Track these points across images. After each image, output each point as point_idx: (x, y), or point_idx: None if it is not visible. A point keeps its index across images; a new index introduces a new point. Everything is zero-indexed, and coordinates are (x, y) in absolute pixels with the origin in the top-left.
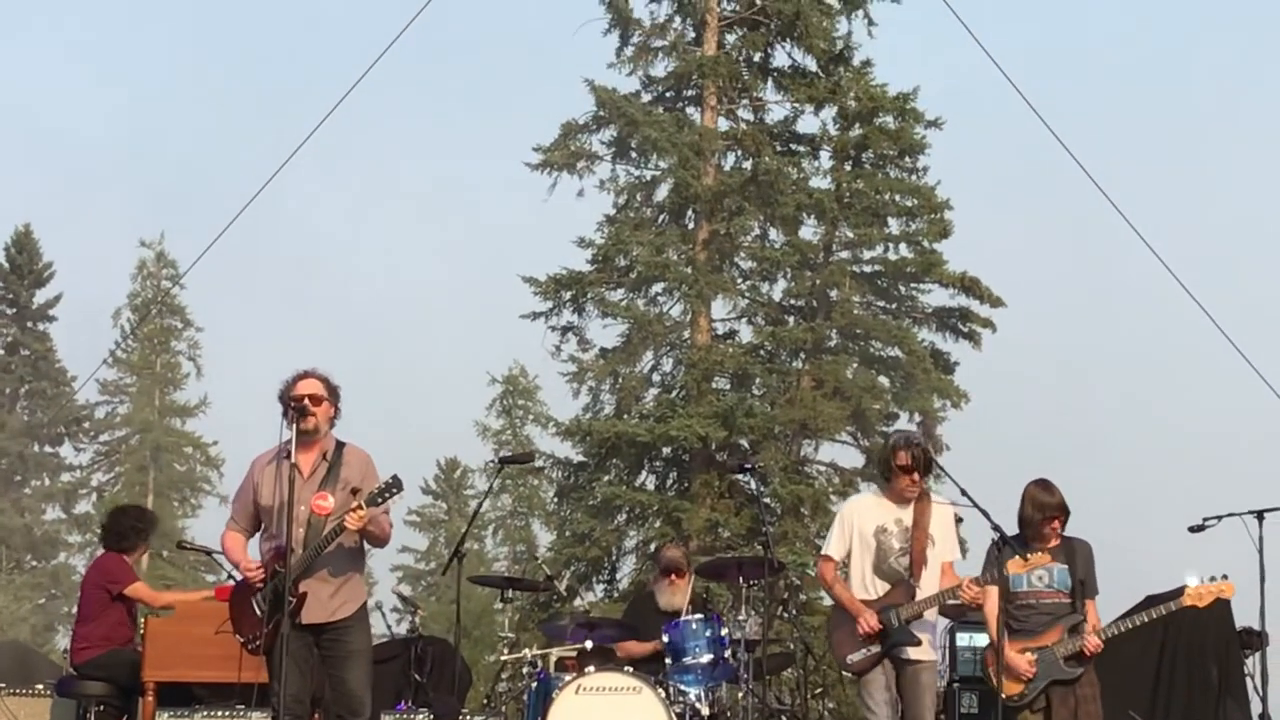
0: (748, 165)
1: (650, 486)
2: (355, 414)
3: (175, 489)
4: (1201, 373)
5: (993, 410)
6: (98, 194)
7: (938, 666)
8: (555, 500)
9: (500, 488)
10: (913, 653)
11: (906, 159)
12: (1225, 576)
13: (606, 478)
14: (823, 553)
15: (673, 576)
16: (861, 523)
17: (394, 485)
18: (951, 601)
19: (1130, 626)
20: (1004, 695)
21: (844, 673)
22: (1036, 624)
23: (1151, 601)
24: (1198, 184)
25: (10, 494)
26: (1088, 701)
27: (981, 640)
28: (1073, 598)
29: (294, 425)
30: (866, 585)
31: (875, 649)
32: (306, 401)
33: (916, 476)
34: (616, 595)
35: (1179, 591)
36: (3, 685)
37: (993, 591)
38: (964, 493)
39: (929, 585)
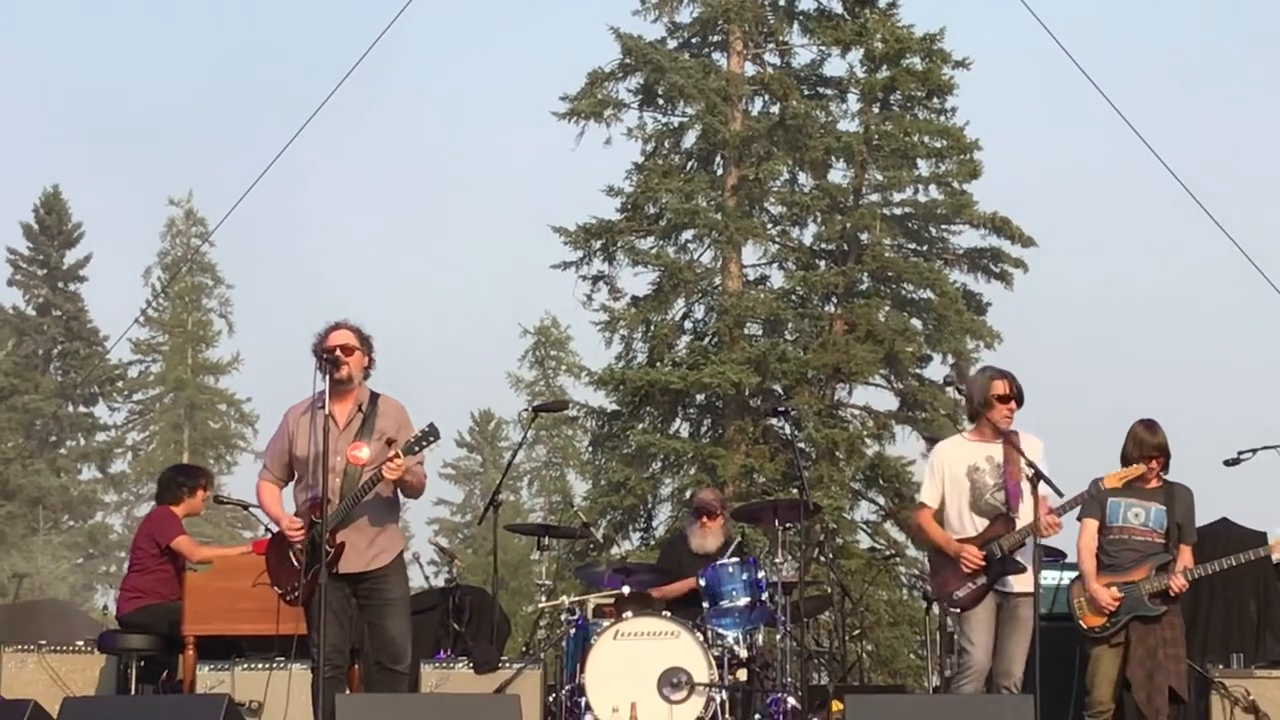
0: (775, 110)
1: (684, 434)
2: (386, 366)
3: (210, 446)
4: (1235, 307)
5: (1025, 350)
6: (126, 153)
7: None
8: (590, 450)
9: (534, 438)
10: (1016, 584)
11: (935, 100)
12: None
13: (640, 426)
14: (919, 501)
15: (704, 519)
16: (952, 465)
17: (431, 434)
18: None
19: (1217, 570)
20: (1085, 627)
21: (950, 609)
22: (1126, 560)
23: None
24: (1228, 118)
25: (46, 454)
26: (1169, 644)
27: None
28: (1166, 539)
29: (327, 376)
30: (965, 524)
31: (981, 581)
32: (339, 352)
33: (1014, 405)
34: (653, 543)
35: (1228, 525)
36: (43, 642)
37: (1090, 525)
38: (997, 430)
39: (1025, 518)
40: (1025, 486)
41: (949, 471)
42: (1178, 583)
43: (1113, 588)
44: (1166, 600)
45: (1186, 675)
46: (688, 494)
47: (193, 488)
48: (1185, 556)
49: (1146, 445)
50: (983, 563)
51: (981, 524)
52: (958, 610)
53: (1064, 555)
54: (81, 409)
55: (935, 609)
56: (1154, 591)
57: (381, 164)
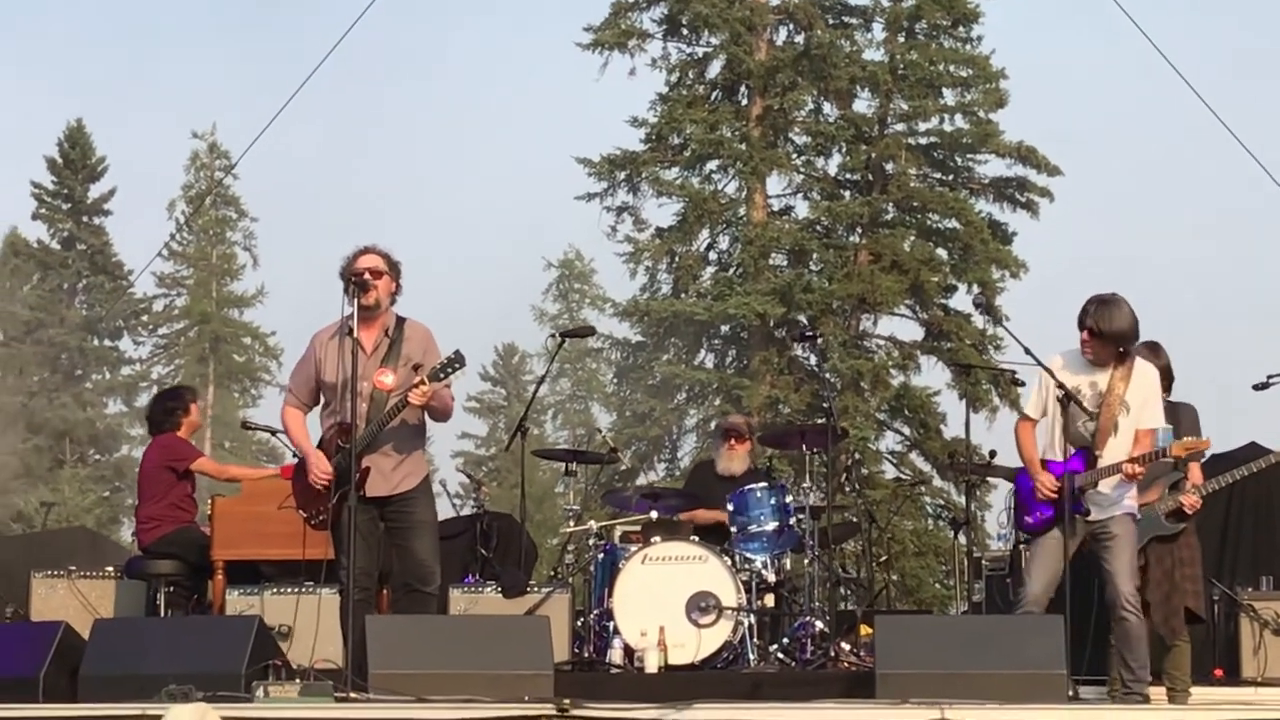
0: (800, 39)
1: (709, 365)
2: (409, 300)
3: (235, 379)
4: (1269, 235)
5: (1052, 279)
6: (148, 85)
7: (1133, 520)
8: (614, 381)
9: (558, 371)
10: (1096, 513)
11: (960, 28)
12: None
13: (665, 357)
14: (1024, 412)
15: (732, 441)
16: (1056, 382)
17: (456, 360)
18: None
19: (1230, 482)
20: None
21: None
22: (1139, 483)
23: (1220, 460)
24: (1262, 44)
25: (71, 388)
26: (1185, 564)
27: None
28: (1176, 458)
29: (355, 300)
30: (1055, 447)
31: (1049, 513)
32: (367, 275)
33: (1085, 335)
34: (677, 473)
35: (1256, 449)
36: (73, 568)
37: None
38: (1027, 351)
39: (1114, 454)
40: (1122, 423)
41: (1053, 389)
42: (1190, 500)
43: None
44: (1182, 518)
45: (1204, 595)
46: (712, 425)
47: (185, 406)
48: (1195, 473)
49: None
50: (1055, 494)
51: (1070, 451)
52: (1028, 534)
53: None
54: (107, 343)
55: (962, 538)
56: (1169, 510)
57: (404, 96)
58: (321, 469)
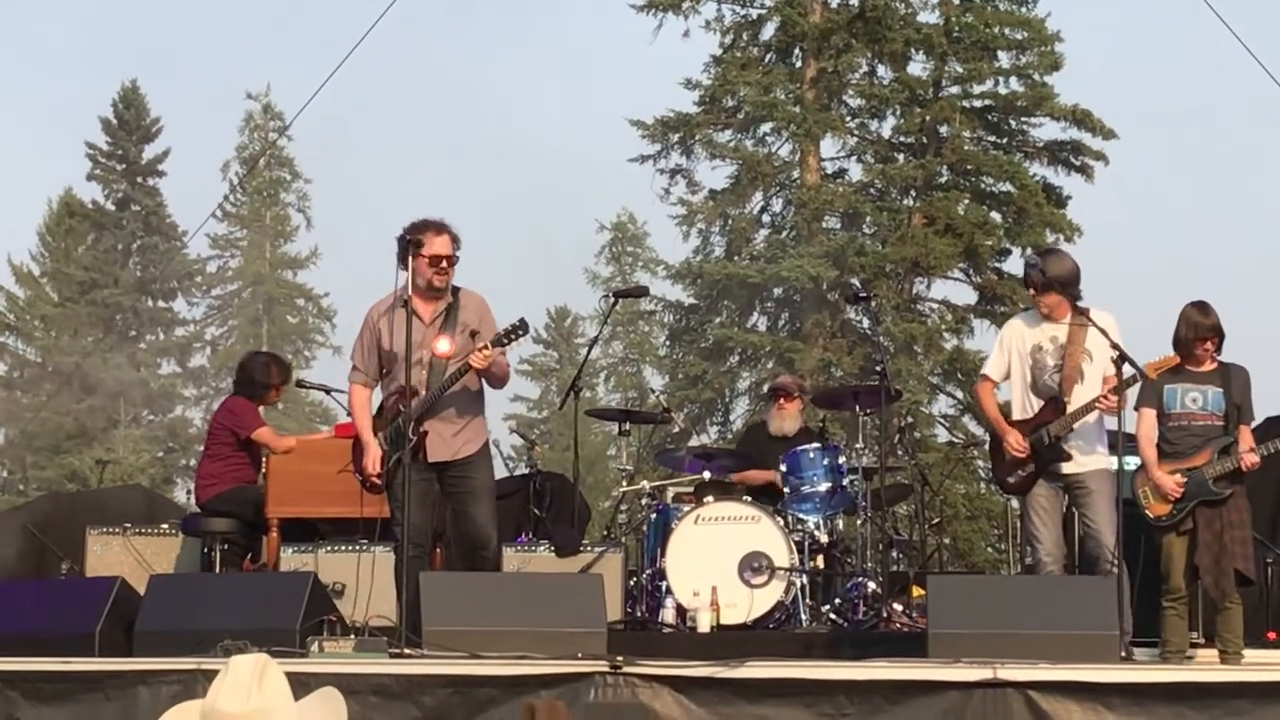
0: (854, 1)
1: (762, 328)
2: (463, 266)
3: (288, 341)
4: None
5: (1106, 242)
6: (202, 46)
7: (1110, 472)
8: (667, 344)
9: (611, 334)
10: (1066, 467)
11: None
12: None
13: (718, 319)
14: (982, 373)
15: (781, 400)
16: (1019, 341)
17: (520, 327)
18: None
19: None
20: (1152, 516)
21: (1003, 495)
22: (1187, 446)
23: (1274, 423)
24: None
25: (125, 348)
26: (1234, 527)
27: None
28: (1226, 421)
29: (416, 268)
30: (1025, 404)
31: (1030, 469)
32: (444, 263)
33: (1033, 292)
34: (730, 436)
35: None
36: (129, 525)
37: (1147, 414)
38: (1080, 312)
39: (1083, 400)
40: (1086, 370)
41: (1016, 347)
42: (1251, 459)
43: (1176, 474)
44: (1232, 481)
45: (1255, 558)
46: (765, 388)
47: (278, 388)
48: (1246, 437)
49: (1200, 327)
50: (1024, 451)
51: (1039, 405)
52: (1009, 495)
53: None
54: (160, 304)
55: (1015, 502)
56: (1218, 475)
57: (456, 58)
58: (372, 463)
